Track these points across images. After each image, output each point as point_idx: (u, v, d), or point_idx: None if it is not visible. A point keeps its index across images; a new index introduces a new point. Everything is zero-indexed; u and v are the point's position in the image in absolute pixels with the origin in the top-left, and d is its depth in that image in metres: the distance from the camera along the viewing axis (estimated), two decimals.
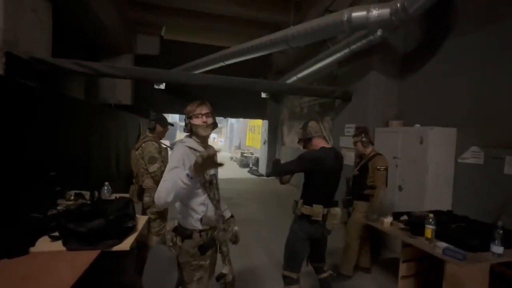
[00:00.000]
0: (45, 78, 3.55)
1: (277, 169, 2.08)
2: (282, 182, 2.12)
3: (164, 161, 2.59)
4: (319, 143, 2.04)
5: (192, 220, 1.46)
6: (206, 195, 1.47)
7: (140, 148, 2.58)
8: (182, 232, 1.48)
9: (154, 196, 2.55)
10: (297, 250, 2.04)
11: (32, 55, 3.35)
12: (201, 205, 1.46)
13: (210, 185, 1.50)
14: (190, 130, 1.53)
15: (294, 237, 2.06)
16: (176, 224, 1.53)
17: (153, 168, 2.47)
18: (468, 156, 3.19)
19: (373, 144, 3.16)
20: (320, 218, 1.94)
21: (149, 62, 7.00)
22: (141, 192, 2.59)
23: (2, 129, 2.19)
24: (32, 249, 1.55)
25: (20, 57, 3.14)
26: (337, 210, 2.01)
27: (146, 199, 2.58)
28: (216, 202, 1.51)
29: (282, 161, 2.14)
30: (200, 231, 1.47)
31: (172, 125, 2.79)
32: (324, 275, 2.15)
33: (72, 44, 5.56)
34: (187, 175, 1.25)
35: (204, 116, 1.48)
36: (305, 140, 2.10)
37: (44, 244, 1.62)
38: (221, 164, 1.33)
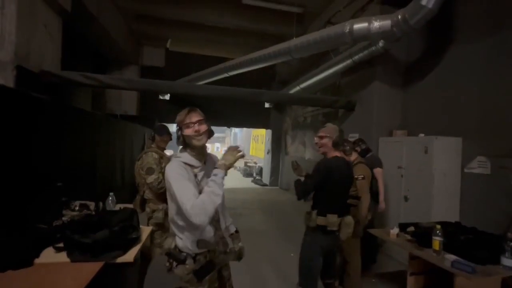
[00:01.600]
0: (54, 90, 3.64)
1: (303, 191, 1.97)
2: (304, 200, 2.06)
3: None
4: (334, 150, 2.00)
5: (188, 243, 1.33)
6: None
7: (141, 158, 2.61)
8: (175, 256, 1.35)
9: (152, 207, 2.56)
10: (311, 264, 1.96)
11: (42, 68, 3.45)
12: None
13: None
14: (184, 142, 1.39)
15: (307, 250, 1.97)
16: (172, 245, 1.39)
17: (150, 179, 2.48)
18: (474, 166, 3.14)
19: (364, 153, 3.15)
20: (336, 228, 1.91)
21: (154, 74, 7.15)
22: (143, 202, 2.60)
23: (10, 139, 2.23)
24: (36, 261, 1.55)
25: (30, 71, 3.23)
26: (350, 219, 1.98)
27: (147, 209, 2.58)
28: (215, 222, 1.36)
29: (295, 176, 2.09)
30: (197, 254, 1.34)
31: (169, 134, 2.79)
32: None
33: (81, 56, 5.71)
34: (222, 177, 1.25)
35: (196, 125, 1.34)
36: (334, 143, 1.97)
37: (48, 255, 1.62)
38: (243, 155, 1.33)
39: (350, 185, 2.06)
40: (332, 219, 1.89)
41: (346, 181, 2.00)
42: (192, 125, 1.34)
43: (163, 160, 2.64)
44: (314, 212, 1.94)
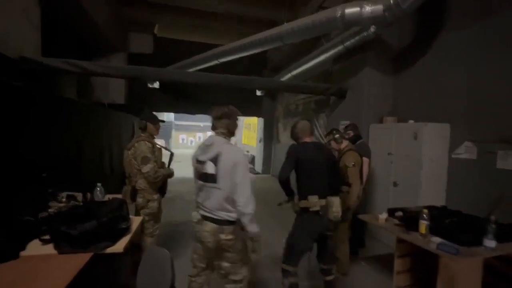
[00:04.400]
0: (35, 78, 3.49)
1: (282, 176, 2.07)
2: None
3: (158, 161, 2.55)
4: (303, 138, 2.18)
5: (237, 214, 1.72)
6: None
7: (133, 148, 2.52)
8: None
9: (147, 197, 2.53)
10: (295, 243, 2.07)
11: (22, 54, 3.28)
12: None
13: None
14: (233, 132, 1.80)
15: (294, 231, 2.10)
16: (230, 218, 1.73)
17: (146, 168, 2.42)
18: (461, 151, 3.21)
19: (353, 140, 3.17)
20: (318, 208, 1.99)
21: (143, 61, 6.92)
22: (134, 193, 2.55)
23: None
24: (22, 253, 1.52)
25: (9, 57, 3.07)
26: (335, 198, 2.05)
27: (139, 200, 2.53)
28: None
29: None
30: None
31: (163, 121, 2.73)
32: (330, 278, 2.16)
33: (64, 43, 5.46)
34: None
35: None
36: (295, 140, 2.23)
37: (34, 248, 1.59)
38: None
39: (329, 168, 2.09)
40: (312, 200, 2.00)
41: (318, 163, 2.06)
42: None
43: (155, 149, 2.58)
44: (296, 198, 2.10)
